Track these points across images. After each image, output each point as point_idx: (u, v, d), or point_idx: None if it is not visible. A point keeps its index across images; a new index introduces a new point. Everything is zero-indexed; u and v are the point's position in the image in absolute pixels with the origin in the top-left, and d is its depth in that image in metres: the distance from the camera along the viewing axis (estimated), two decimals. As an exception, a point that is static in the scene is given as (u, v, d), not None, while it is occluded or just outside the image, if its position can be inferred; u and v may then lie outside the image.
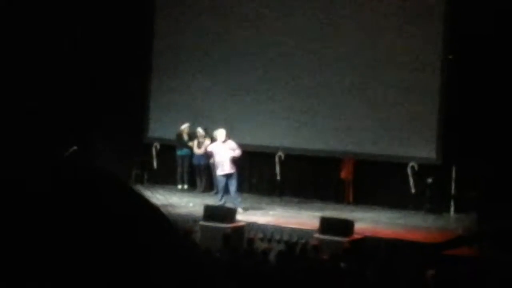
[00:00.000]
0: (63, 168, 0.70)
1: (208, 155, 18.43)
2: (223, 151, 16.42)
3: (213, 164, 17.67)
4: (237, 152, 16.42)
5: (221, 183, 16.63)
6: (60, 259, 0.63)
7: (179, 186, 19.62)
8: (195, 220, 14.75)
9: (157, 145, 20.57)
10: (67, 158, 0.72)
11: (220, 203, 16.23)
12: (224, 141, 16.56)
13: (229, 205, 16.02)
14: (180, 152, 19.58)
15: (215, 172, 17.08)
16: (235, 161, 16.50)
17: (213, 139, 18.76)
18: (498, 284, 9.87)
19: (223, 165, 16.38)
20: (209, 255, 10.39)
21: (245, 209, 16.27)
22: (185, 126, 19.39)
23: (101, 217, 0.67)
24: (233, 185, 16.37)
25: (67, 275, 0.63)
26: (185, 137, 19.45)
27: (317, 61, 18.73)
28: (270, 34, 19.19)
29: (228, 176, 16.35)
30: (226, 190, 16.45)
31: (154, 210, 0.73)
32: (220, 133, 16.69)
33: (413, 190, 17.53)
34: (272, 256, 11.39)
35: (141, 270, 0.66)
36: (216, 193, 17.34)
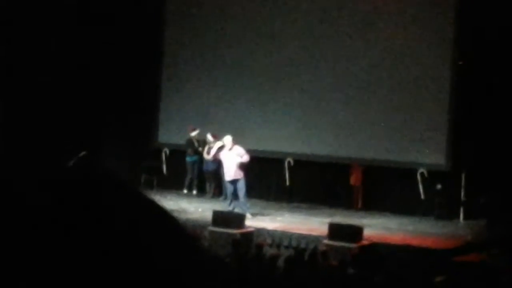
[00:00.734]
0: (68, 172, 0.71)
1: (217, 161, 18.47)
2: (229, 157, 16.39)
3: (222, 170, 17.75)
4: (245, 158, 16.34)
5: (229, 189, 16.65)
6: (63, 261, 0.64)
7: (185, 191, 19.63)
8: (204, 226, 14.74)
9: (166, 150, 20.59)
10: (76, 163, 0.73)
11: (229, 208, 16.23)
12: (231, 148, 16.52)
13: (238, 210, 16.01)
14: (190, 159, 19.60)
15: (224, 178, 17.08)
16: (242, 167, 16.44)
17: (222, 146, 18.77)
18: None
19: (230, 171, 16.36)
20: (217, 260, 10.39)
21: (254, 215, 16.25)
22: (195, 133, 19.41)
23: (105, 220, 0.67)
24: (241, 191, 16.33)
25: (69, 276, 0.63)
26: (195, 143, 19.48)
27: (327, 68, 18.72)
28: (281, 40, 19.19)
29: (235, 182, 16.32)
30: (236, 196, 16.44)
31: (161, 212, 0.73)
32: (227, 140, 16.66)
33: (422, 197, 17.50)
34: (280, 262, 11.37)
35: (148, 270, 0.66)
36: (225, 199, 17.35)
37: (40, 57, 18.96)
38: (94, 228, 0.66)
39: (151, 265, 0.67)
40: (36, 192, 0.68)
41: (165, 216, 0.73)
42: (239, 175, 16.31)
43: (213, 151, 18.49)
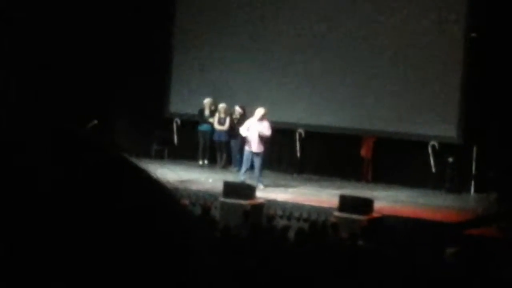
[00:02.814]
0: (77, 148, 0.69)
1: (230, 132, 18.54)
2: (253, 129, 16.43)
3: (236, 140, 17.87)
4: (265, 132, 16.37)
5: (246, 157, 16.65)
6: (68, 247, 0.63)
7: (200, 162, 19.65)
8: (214, 197, 14.78)
9: (177, 120, 20.60)
10: (87, 132, 0.71)
11: (241, 179, 16.26)
12: (259, 120, 16.50)
13: (249, 182, 16.05)
14: (200, 128, 19.59)
15: (244, 148, 16.97)
16: (264, 141, 16.48)
17: (232, 115, 18.78)
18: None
19: (250, 143, 16.43)
20: (228, 231, 10.42)
21: (265, 186, 16.28)
22: (207, 101, 19.38)
23: (110, 203, 0.66)
24: (257, 163, 16.40)
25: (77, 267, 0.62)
26: (207, 112, 19.44)
27: (340, 39, 18.64)
28: (294, 11, 19.10)
29: (255, 155, 16.40)
30: (251, 167, 16.51)
31: (167, 196, 0.71)
32: (258, 111, 16.63)
33: (433, 169, 17.48)
34: (291, 234, 11.40)
35: (151, 257, 0.65)
36: (238, 170, 17.38)
37: (50, 26, 18.93)
38: (100, 207, 0.65)
39: (153, 249, 0.66)
40: (48, 161, 0.66)
41: (170, 197, 0.71)
42: (260, 148, 16.37)
43: (227, 122, 18.66)
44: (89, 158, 0.68)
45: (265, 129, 16.40)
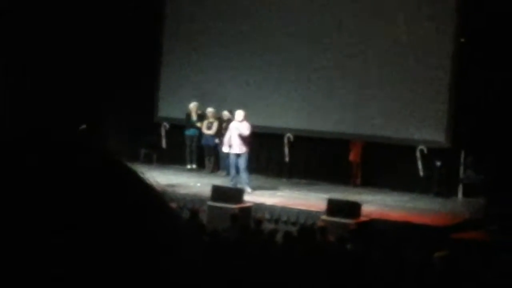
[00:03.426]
0: (68, 151, 0.70)
1: (218, 136, 18.57)
2: (234, 131, 16.56)
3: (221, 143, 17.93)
4: (244, 132, 16.47)
5: (230, 161, 16.75)
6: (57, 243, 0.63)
7: (188, 166, 19.65)
8: (202, 201, 14.78)
9: (166, 124, 20.57)
10: (76, 136, 0.72)
11: (231, 183, 16.33)
12: (240, 121, 16.67)
13: (239, 186, 16.10)
14: (187, 132, 19.60)
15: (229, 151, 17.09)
16: (245, 142, 16.56)
17: (221, 120, 18.79)
18: (503, 268, 9.87)
19: (232, 144, 16.54)
20: (216, 235, 10.42)
21: (253, 190, 16.28)
22: (193, 105, 19.38)
23: (100, 203, 0.67)
24: (241, 165, 16.48)
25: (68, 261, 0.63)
26: (194, 116, 19.44)
27: (327, 43, 18.66)
28: (282, 15, 19.12)
29: (237, 156, 16.50)
30: (237, 170, 16.58)
31: (156, 197, 0.72)
32: (238, 114, 16.81)
33: (421, 173, 17.52)
34: (279, 237, 11.41)
35: (139, 254, 0.66)
36: (227, 174, 17.47)
37: (38, 29, 18.88)
38: (84, 204, 0.66)
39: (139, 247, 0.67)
40: (35, 157, 0.67)
41: (159, 199, 0.72)
42: (242, 149, 16.44)
43: (214, 126, 18.73)
44: (83, 160, 0.69)
45: (244, 129, 16.50)
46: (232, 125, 16.82)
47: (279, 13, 19.17)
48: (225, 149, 16.90)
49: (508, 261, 10.30)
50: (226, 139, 16.87)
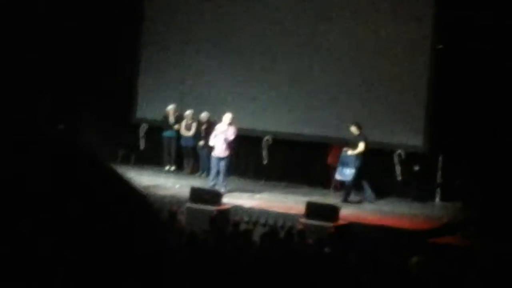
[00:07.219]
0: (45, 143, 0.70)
1: (196, 137, 18.57)
2: (220, 134, 16.57)
3: (202, 146, 17.89)
4: (230, 137, 16.55)
5: (212, 163, 16.78)
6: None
7: (167, 168, 19.61)
8: (181, 202, 14.75)
9: (144, 126, 20.51)
10: (54, 136, 0.72)
11: (210, 184, 16.36)
12: (228, 125, 16.70)
13: (218, 188, 16.12)
14: (165, 134, 19.58)
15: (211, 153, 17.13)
16: (229, 145, 16.61)
17: (199, 122, 18.78)
18: (481, 271, 9.93)
19: (216, 148, 16.56)
20: (194, 237, 10.40)
21: (230, 192, 16.27)
22: (171, 107, 19.36)
23: (77, 195, 0.67)
24: (222, 168, 16.52)
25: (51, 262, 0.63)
26: (172, 118, 19.41)
27: (306, 47, 18.71)
28: (262, 18, 19.14)
29: (220, 159, 16.52)
30: (217, 173, 16.61)
31: (135, 192, 0.72)
32: (226, 117, 16.82)
33: (399, 178, 17.58)
34: (256, 238, 11.40)
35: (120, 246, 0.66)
36: (201, 174, 17.67)
37: (15, 28, 18.78)
38: (65, 202, 0.66)
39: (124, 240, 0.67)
40: (11, 157, 0.67)
41: (138, 194, 0.72)
42: (225, 153, 16.48)
43: (193, 128, 18.75)
44: (71, 161, 0.69)
45: (230, 134, 16.56)
46: (219, 128, 16.76)
47: (257, 15, 19.19)
48: (213, 153, 16.78)
49: (483, 264, 10.36)
50: (210, 140, 16.84)
